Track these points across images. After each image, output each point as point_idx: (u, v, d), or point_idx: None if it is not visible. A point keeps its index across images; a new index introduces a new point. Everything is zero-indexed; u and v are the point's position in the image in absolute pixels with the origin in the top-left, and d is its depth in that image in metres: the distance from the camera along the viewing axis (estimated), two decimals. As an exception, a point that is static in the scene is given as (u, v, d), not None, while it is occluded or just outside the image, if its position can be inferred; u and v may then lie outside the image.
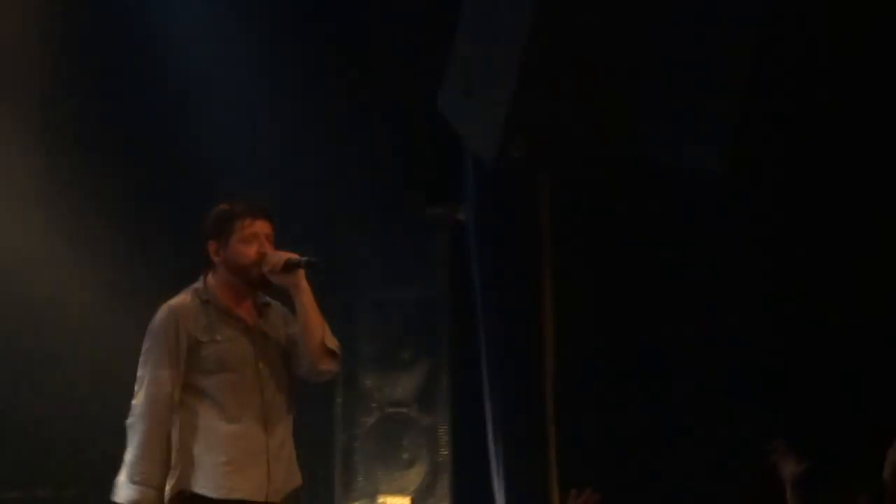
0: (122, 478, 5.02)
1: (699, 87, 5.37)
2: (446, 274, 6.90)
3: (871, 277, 6.66)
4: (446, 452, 6.66)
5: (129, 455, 5.03)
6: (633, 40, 5.15)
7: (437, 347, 6.88)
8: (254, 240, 5.03)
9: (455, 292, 6.84)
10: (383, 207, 7.30)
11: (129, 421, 5.08)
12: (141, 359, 5.15)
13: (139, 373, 5.15)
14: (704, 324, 6.79)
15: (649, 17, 5.20)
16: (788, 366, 6.68)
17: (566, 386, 6.58)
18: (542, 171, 6.18)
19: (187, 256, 5.50)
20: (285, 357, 5.25)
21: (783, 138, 6.12)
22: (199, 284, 5.18)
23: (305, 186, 7.27)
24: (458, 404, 6.83)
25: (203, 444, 5.11)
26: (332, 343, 5.20)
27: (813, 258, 6.74)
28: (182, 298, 5.16)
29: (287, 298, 5.17)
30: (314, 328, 5.13)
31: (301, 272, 5.02)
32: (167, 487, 5.04)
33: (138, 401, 5.09)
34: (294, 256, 5.03)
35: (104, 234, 7.10)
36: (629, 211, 6.69)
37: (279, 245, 5.12)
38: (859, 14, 6.17)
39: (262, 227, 5.07)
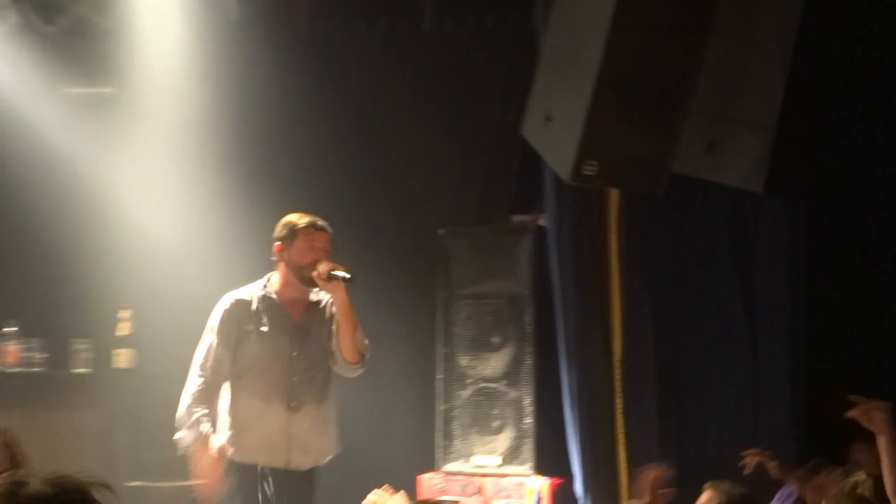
0: (179, 429, 5.48)
1: (737, 108, 5.51)
2: (530, 272, 6.87)
3: None
4: (530, 420, 6.63)
5: (183, 405, 5.47)
6: (680, 73, 5.29)
7: (522, 333, 6.82)
8: (312, 248, 5.50)
9: (537, 287, 6.82)
10: (478, 217, 7.43)
11: (189, 383, 5.50)
12: (206, 332, 5.58)
13: (199, 349, 5.57)
14: (751, 316, 6.73)
15: (694, 51, 5.28)
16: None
17: (629, 366, 6.70)
18: (609, 185, 6.34)
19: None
20: (323, 351, 5.62)
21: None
22: (264, 280, 5.63)
23: (414, 202, 7.57)
24: (540, 380, 6.76)
25: (237, 415, 5.53)
26: (361, 344, 5.56)
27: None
28: (243, 292, 5.60)
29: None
30: (345, 329, 5.49)
31: (341, 283, 5.41)
32: (209, 444, 5.46)
33: (195, 369, 5.51)
34: (338, 270, 5.41)
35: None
36: (683, 218, 6.77)
37: (339, 258, 5.53)
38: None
39: (320, 238, 5.51)
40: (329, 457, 5.73)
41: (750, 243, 6.78)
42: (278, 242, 5.56)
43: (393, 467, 7.12)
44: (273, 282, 5.62)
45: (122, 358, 7.28)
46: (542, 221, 6.95)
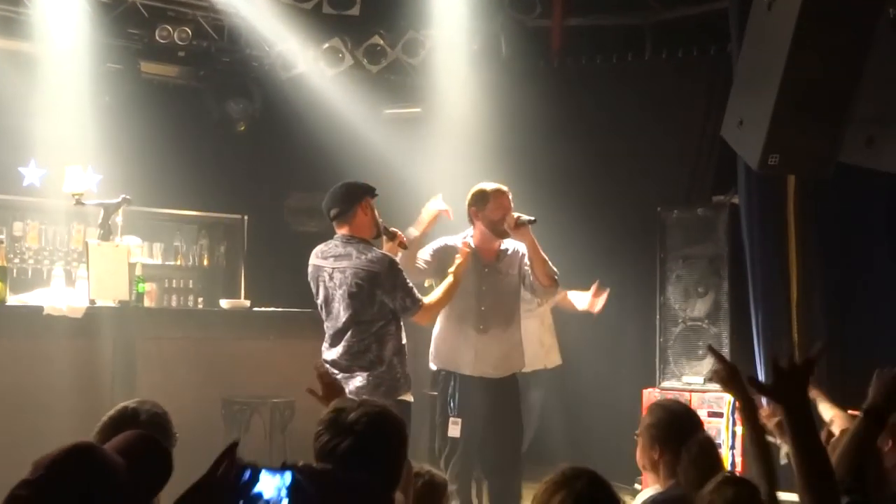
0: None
1: (890, 110, 5.25)
2: (726, 238, 6.80)
3: None
4: (726, 350, 6.50)
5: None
6: (844, 84, 5.02)
7: (721, 284, 6.78)
8: (500, 207, 5.30)
9: (732, 251, 6.75)
10: (687, 196, 7.41)
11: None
12: (421, 255, 5.32)
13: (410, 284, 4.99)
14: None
15: (856, 66, 4.98)
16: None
17: (803, 309, 6.50)
18: (788, 173, 6.18)
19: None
20: (511, 285, 5.41)
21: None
22: (465, 233, 5.41)
23: (640, 187, 7.57)
24: (734, 320, 6.73)
25: (440, 332, 5.41)
26: (551, 271, 5.34)
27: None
28: (452, 240, 5.42)
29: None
30: (537, 261, 5.30)
31: (527, 226, 5.25)
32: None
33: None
34: (522, 217, 5.26)
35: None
36: (850, 197, 6.46)
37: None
38: None
39: (505, 198, 5.31)
40: (515, 371, 5.48)
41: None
42: (473, 207, 5.38)
43: (623, 383, 7.34)
44: (471, 235, 5.42)
45: None
46: (736, 200, 6.84)
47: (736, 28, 6.19)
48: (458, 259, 5.12)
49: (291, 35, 7.87)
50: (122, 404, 3.09)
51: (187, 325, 6.52)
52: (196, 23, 7.86)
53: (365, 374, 4.78)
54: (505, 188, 5.38)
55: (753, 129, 5.28)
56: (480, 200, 5.36)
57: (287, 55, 8.09)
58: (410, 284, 4.88)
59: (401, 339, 4.91)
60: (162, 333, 6.16)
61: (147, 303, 6.41)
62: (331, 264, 4.89)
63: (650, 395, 6.74)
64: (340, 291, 4.84)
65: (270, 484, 1.78)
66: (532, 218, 5.30)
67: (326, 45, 7.98)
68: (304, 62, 8.06)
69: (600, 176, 7.58)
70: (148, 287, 6.57)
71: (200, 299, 8.19)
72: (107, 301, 5.87)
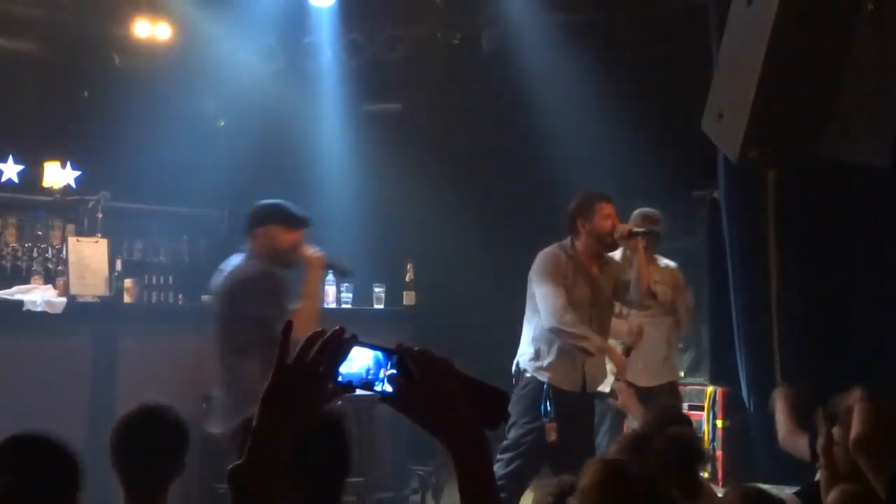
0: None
1: (871, 93, 5.03)
2: (706, 232, 6.94)
3: None
4: (706, 343, 6.69)
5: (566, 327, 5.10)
6: (824, 78, 4.95)
7: (701, 278, 6.88)
8: (608, 217, 5.20)
9: (712, 244, 6.86)
10: (667, 192, 7.20)
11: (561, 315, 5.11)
12: (542, 277, 5.18)
13: (545, 289, 5.12)
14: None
15: (835, 61, 4.93)
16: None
17: (781, 301, 6.55)
18: (767, 167, 6.18)
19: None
20: (610, 300, 5.33)
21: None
22: (565, 243, 5.25)
23: (625, 184, 7.24)
24: (715, 313, 6.84)
25: (547, 335, 5.19)
26: (653, 287, 5.38)
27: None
28: (557, 250, 5.25)
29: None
30: (643, 276, 5.24)
31: (638, 239, 5.20)
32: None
33: (563, 304, 5.10)
34: (635, 228, 5.19)
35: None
36: (829, 193, 6.45)
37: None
38: None
39: (610, 209, 5.23)
40: (598, 387, 5.35)
41: (873, 210, 6.50)
42: (579, 217, 5.23)
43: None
44: (575, 244, 5.27)
45: (408, 297, 7.24)
46: (716, 194, 6.89)
47: (716, 21, 6.21)
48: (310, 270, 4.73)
49: (271, 30, 7.83)
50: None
51: (168, 320, 6.55)
52: (175, 16, 7.85)
53: None
54: (608, 196, 5.26)
55: (733, 122, 5.19)
56: (587, 210, 5.23)
57: (267, 50, 8.04)
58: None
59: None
60: (143, 328, 6.17)
61: (126, 299, 6.36)
62: None
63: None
64: None
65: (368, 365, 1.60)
66: (645, 230, 5.25)
67: (306, 39, 7.94)
68: (284, 57, 8.00)
69: (579, 171, 7.43)
70: (127, 283, 6.52)
71: (180, 295, 8.12)
72: (86, 297, 5.82)
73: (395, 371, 1.57)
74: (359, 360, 1.58)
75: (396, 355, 1.58)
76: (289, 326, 1.60)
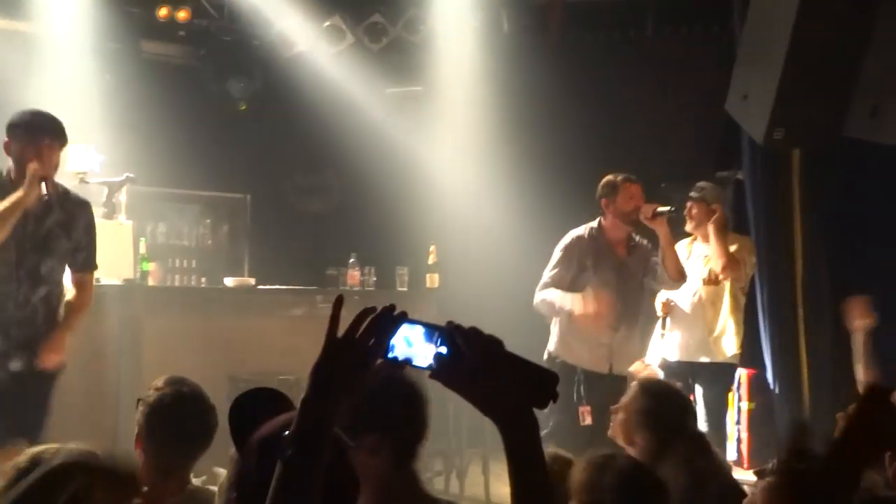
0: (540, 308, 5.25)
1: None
2: (731, 214, 6.57)
3: None
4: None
5: (537, 300, 5.22)
6: (849, 58, 5.10)
7: None
8: (632, 197, 5.23)
9: (737, 226, 6.52)
10: (693, 172, 7.07)
11: (539, 287, 5.24)
12: (555, 254, 5.31)
13: (549, 266, 5.26)
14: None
15: (861, 40, 5.09)
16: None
17: (807, 283, 6.52)
18: (792, 147, 6.16)
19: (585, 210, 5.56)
20: (640, 281, 5.34)
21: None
22: (594, 224, 5.32)
23: (646, 163, 7.16)
24: None
25: (570, 325, 5.25)
26: (681, 267, 5.32)
27: None
28: (581, 231, 5.32)
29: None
30: (669, 253, 5.23)
31: (663, 219, 5.19)
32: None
33: (545, 280, 5.25)
34: (659, 208, 5.17)
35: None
36: (854, 173, 6.34)
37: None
38: None
39: (636, 188, 5.25)
40: (636, 362, 5.46)
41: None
42: (604, 198, 5.29)
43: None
44: (602, 226, 5.34)
45: (431, 280, 7.19)
46: (741, 176, 6.83)
47: (739, 3, 6.19)
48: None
49: (292, 13, 7.83)
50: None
51: (193, 303, 6.55)
52: (196, 1, 7.84)
53: None
54: (634, 177, 5.30)
55: (758, 103, 5.29)
56: (611, 191, 5.27)
57: (288, 34, 8.04)
58: None
59: None
60: (168, 311, 6.18)
61: (151, 282, 6.40)
62: None
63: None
64: None
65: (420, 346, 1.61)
66: (670, 208, 5.25)
67: (327, 23, 7.94)
68: (305, 41, 8.00)
69: (602, 152, 7.45)
70: (151, 267, 6.56)
71: (203, 279, 8.19)
72: (112, 279, 5.86)
73: (445, 348, 1.59)
74: (409, 337, 1.60)
75: (446, 332, 1.60)
76: (339, 301, 1.61)
